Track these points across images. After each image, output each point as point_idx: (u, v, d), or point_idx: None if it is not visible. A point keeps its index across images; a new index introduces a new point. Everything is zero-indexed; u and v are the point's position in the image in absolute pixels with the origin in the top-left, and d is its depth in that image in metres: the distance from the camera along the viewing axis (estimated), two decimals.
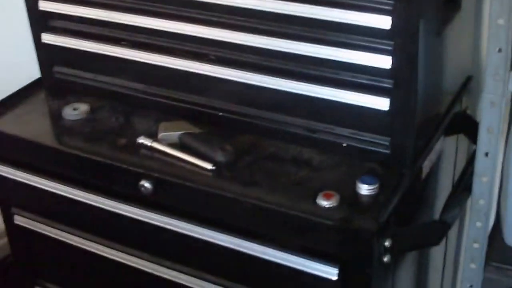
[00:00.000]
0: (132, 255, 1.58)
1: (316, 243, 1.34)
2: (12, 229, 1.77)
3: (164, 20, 1.54)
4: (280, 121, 1.50)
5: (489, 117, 1.34)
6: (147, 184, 1.45)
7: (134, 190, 1.47)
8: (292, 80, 1.44)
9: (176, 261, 1.54)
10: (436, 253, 1.76)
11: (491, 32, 1.26)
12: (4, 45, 2.38)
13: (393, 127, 1.39)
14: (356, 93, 1.39)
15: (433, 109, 1.53)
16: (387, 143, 1.41)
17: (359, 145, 1.44)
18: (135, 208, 1.51)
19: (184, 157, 1.47)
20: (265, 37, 1.44)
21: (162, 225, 1.49)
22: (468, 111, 1.74)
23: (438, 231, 1.45)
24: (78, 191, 1.57)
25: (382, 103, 1.38)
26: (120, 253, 1.59)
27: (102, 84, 1.68)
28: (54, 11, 1.66)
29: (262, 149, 1.50)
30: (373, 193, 1.36)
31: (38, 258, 1.80)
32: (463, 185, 1.51)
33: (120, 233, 1.58)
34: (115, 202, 1.53)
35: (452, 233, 1.85)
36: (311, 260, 1.35)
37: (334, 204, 1.33)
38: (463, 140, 1.75)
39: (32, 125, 1.64)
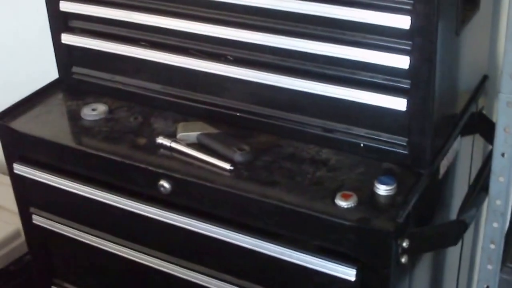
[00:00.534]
0: (149, 255, 1.59)
1: (334, 243, 1.34)
2: (30, 229, 1.78)
3: (181, 21, 1.55)
4: (297, 121, 1.51)
5: (505, 117, 1.34)
6: (166, 184, 1.46)
7: (153, 190, 1.48)
8: (309, 80, 1.45)
9: (194, 261, 1.54)
10: (452, 253, 1.75)
11: (508, 32, 1.26)
12: (23, 46, 2.39)
13: (410, 127, 1.39)
14: (374, 93, 1.40)
15: (449, 109, 1.53)
16: (404, 143, 1.42)
17: (376, 145, 1.44)
18: (154, 208, 1.52)
19: (203, 157, 1.47)
20: (283, 37, 1.45)
21: (180, 225, 1.49)
22: (484, 111, 1.74)
23: (456, 231, 1.44)
24: (97, 191, 1.58)
25: (399, 103, 1.38)
26: (137, 253, 1.60)
27: (120, 84, 1.69)
28: (74, 11, 1.67)
29: (279, 149, 1.51)
30: (391, 193, 1.36)
31: (55, 257, 1.81)
32: (480, 185, 1.51)
33: (138, 233, 1.59)
34: (133, 202, 1.54)
35: (468, 233, 1.85)
36: (329, 261, 1.35)
37: (353, 205, 1.34)
38: (478, 140, 1.75)
39: (51, 125, 1.65)
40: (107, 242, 1.64)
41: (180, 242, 1.54)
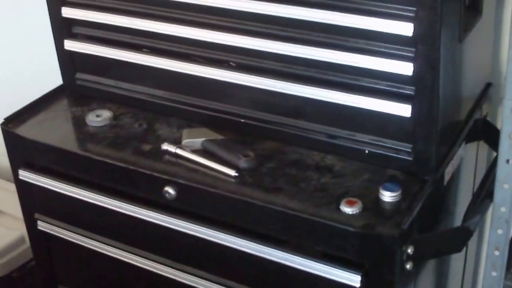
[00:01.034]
0: (154, 261, 1.59)
1: (339, 250, 1.34)
2: (35, 235, 1.78)
3: (185, 27, 1.55)
4: (301, 127, 1.51)
5: (510, 124, 1.34)
6: (171, 190, 1.46)
7: (157, 196, 1.48)
8: (313, 86, 1.45)
9: (198, 267, 1.54)
10: (456, 260, 1.75)
11: (511, 38, 1.26)
12: (27, 52, 2.40)
13: (415, 133, 1.40)
14: (378, 100, 1.40)
15: (454, 116, 1.53)
16: (409, 150, 1.42)
17: (381, 152, 1.45)
18: (158, 214, 1.52)
19: (208, 163, 1.48)
20: (287, 44, 1.45)
21: (185, 231, 1.50)
22: (488, 118, 1.74)
23: (461, 237, 1.44)
24: (102, 197, 1.58)
25: (404, 110, 1.38)
26: (142, 259, 1.60)
27: (124, 91, 1.70)
28: (76, 18, 1.67)
29: (284, 155, 1.51)
30: (395, 200, 1.36)
31: (60, 263, 1.81)
32: (484, 192, 1.51)
33: (143, 239, 1.59)
34: (138, 208, 1.54)
35: (472, 240, 1.85)
36: (334, 267, 1.35)
37: (357, 211, 1.34)
38: (483, 146, 1.75)
39: (55, 131, 1.66)
40: (111, 248, 1.64)
41: (185, 248, 1.54)
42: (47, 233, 1.73)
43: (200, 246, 1.50)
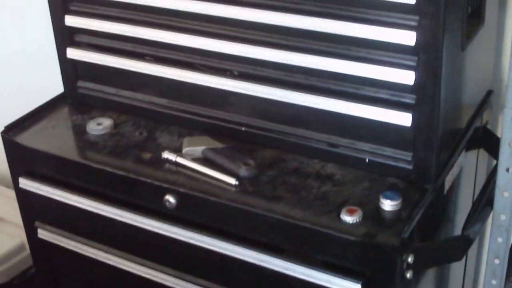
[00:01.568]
0: (154, 269, 1.58)
1: (339, 258, 1.34)
2: (35, 243, 1.78)
3: (187, 36, 1.55)
4: (302, 136, 1.51)
5: (510, 132, 1.35)
6: (171, 199, 1.46)
7: (158, 205, 1.48)
8: (314, 95, 1.45)
9: (199, 275, 1.54)
10: (456, 268, 1.75)
11: None
12: (28, 60, 2.40)
13: (415, 142, 1.40)
14: (379, 108, 1.40)
15: (454, 124, 1.53)
16: (409, 158, 1.42)
17: (381, 160, 1.45)
18: (159, 223, 1.52)
19: (208, 172, 1.48)
20: (288, 52, 1.45)
21: (185, 239, 1.49)
22: (489, 126, 1.74)
23: (461, 246, 1.45)
24: (102, 205, 1.58)
25: (404, 119, 1.38)
26: (142, 267, 1.60)
27: (125, 99, 1.70)
28: (79, 26, 1.68)
29: (284, 164, 1.51)
30: (396, 208, 1.36)
31: (60, 272, 1.81)
32: (485, 200, 1.51)
33: (143, 248, 1.59)
34: (138, 217, 1.54)
35: (472, 248, 1.85)
36: (334, 276, 1.35)
37: (358, 220, 1.34)
38: (483, 154, 1.75)
39: (56, 139, 1.66)
40: (112, 256, 1.64)
41: (185, 257, 1.54)
42: (48, 241, 1.73)
43: (200, 255, 1.49)
